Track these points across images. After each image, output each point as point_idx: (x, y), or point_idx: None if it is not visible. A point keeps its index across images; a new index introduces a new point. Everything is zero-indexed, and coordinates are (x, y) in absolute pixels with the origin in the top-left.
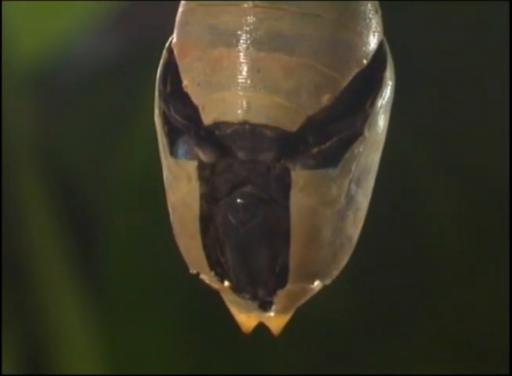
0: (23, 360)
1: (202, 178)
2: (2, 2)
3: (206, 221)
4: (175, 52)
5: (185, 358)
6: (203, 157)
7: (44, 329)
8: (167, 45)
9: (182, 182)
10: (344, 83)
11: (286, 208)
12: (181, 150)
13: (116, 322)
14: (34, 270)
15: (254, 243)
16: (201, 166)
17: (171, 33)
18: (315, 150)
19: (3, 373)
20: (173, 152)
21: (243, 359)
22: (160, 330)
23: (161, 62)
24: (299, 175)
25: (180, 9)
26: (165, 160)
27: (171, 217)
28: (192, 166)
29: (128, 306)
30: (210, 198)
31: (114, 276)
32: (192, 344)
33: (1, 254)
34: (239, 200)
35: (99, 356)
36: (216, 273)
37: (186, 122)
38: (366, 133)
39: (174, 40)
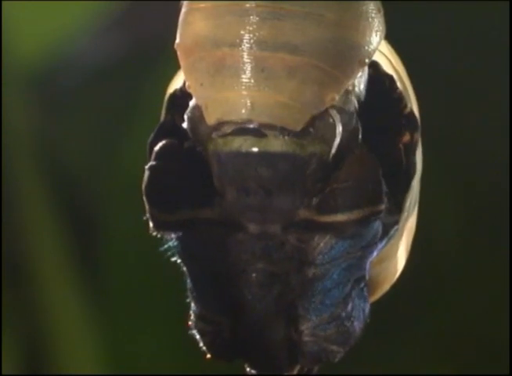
0: (23, 360)
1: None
2: (2, 2)
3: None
4: (178, 53)
5: (186, 358)
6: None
7: (44, 329)
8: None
9: None
10: (347, 82)
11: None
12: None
13: (116, 322)
14: (34, 271)
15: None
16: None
17: (172, 33)
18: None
19: (3, 373)
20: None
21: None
22: (160, 330)
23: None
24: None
25: (183, 10)
26: None
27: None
28: None
29: (128, 306)
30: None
31: (114, 276)
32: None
33: (2, 255)
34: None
35: (99, 356)
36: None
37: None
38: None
39: (177, 40)
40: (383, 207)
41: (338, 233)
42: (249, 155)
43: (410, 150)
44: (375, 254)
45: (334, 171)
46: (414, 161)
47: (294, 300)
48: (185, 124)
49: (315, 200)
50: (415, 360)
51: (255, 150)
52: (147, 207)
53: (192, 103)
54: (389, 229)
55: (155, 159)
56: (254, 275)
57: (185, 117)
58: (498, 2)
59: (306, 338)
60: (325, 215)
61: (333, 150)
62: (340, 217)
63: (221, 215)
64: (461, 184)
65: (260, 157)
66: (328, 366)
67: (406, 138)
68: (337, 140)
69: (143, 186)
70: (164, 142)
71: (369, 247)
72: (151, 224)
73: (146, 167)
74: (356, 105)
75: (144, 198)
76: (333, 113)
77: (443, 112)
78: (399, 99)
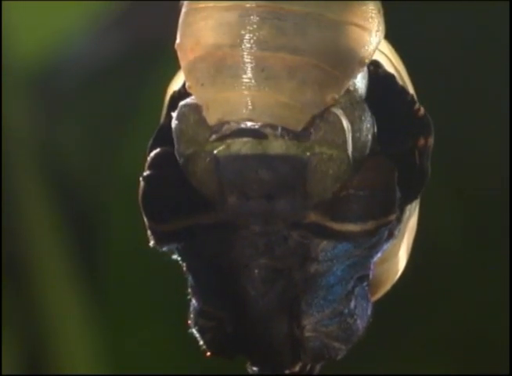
0: (23, 361)
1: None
2: (2, 2)
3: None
4: (178, 53)
5: (186, 358)
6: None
7: (44, 329)
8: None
9: None
10: (347, 82)
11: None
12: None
13: (115, 322)
14: (34, 271)
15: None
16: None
17: (172, 33)
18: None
19: (3, 373)
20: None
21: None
22: (160, 330)
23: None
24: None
25: (183, 10)
26: None
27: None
28: None
29: (128, 307)
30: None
31: (114, 277)
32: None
33: (2, 255)
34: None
35: (99, 356)
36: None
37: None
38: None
39: (177, 41)
40: (394, 217)
41: (347, 241)
42: (248, 158)
43: (424, 154)
44: (379, 254)
45: (349, 173)
46: (428, 167)
47: (297, 296)
48: (174, 131)
49: (327, 204)
50: (415, 360)
51: (254, 152)
52: (145, 219)
53: (187, 108)
54: (394, 230)
55: (149, 168)
56: (256, 270)
57: (176, 122)
58: (498, 2)
59: (308, 334)
60: (338, 223)
61: (349, 148)
62: (352, 227)
63: (222, 218)
64: (461, 183)
65: (259, 159)
66: (328, 366)
67: (421, 142)
68: (349, 137)
69: (139, 198)
70: (157, 150)
71: (373, 248)
72: (152, 239)
73: (141, 178)
74: (364, 105)
75: (142, 211)
76: (337, 111)
77: (443, 112)
78: (412, 102)
